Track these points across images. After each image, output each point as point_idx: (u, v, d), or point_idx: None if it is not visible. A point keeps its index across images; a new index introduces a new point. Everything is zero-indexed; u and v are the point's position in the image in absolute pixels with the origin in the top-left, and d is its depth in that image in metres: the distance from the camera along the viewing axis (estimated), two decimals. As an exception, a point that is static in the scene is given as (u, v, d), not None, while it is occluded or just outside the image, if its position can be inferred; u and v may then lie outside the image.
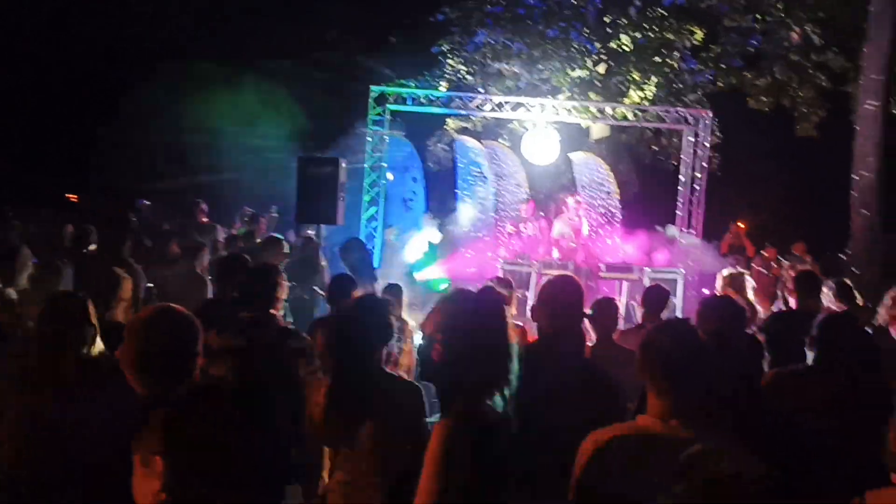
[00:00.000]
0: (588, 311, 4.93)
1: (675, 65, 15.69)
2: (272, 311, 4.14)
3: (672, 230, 13.11)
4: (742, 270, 7.62)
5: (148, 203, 12.68)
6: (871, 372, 3.64)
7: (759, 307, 7.71)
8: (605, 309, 5.02)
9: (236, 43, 16.23)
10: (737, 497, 1.15)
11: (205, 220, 10.65)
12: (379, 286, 7.12)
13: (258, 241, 8.95)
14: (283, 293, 4.32)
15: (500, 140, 15.88)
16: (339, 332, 3.32)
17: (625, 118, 14.43)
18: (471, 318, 2.40)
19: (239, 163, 15.71)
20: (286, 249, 7.43)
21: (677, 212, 13.80)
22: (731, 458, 1.54)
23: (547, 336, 3.34)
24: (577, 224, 12.32)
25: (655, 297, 5.69)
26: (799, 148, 16.63)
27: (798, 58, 15.45)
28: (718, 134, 15.39)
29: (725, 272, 7.13)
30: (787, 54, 15.42)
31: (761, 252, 13.29)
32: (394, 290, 5.95)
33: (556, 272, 9.84)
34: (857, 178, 12.33)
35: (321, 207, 9.64)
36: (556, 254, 12.18)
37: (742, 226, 14.18)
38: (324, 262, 8.43)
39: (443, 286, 11.08)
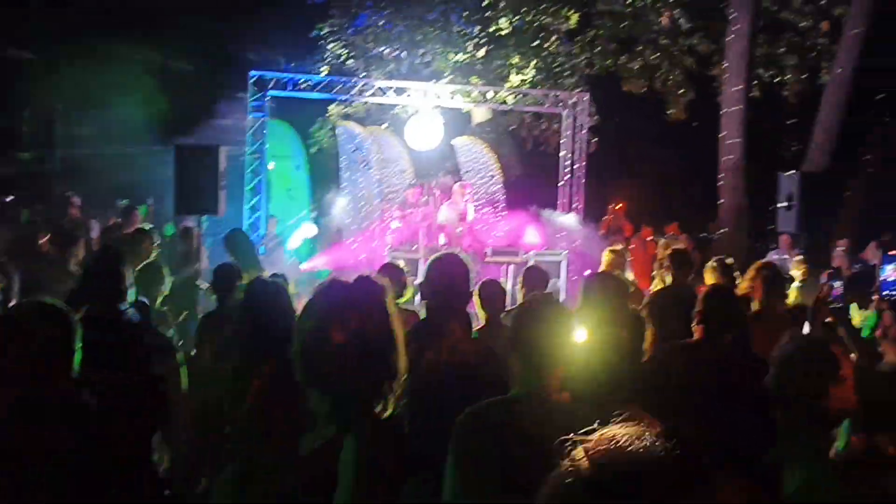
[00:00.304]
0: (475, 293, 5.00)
1: (553, 48, 15.99)
2: (119, 304, 3.71)
3: (552, 214, 13.45)
4: (616, 249, 7.86)
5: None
6: (745, 341, 3.85)
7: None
8: (491, 290, 5.01)
9: (95, 23, 15.26)
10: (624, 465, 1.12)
11: (76, 213, 10.12)
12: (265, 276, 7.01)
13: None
14: (158, 285, 4.03)
15: (383, 126, 15.78)
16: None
17: (505, 102, 14.63)
18: (343, 310, 2.11)
19: (101, 151, 14.92)
20: (156, 242, 7.11)
21: (559, 195, 14.10)
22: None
23: (434, 314, 3.33)
24: (463, 209, 12.43)
25: (535, 277, 5.71)
26: (674, 130, 17.31)
27: (667, 41, 16.07)
28: (596, 116, 15.81)
29: (609, 249, 7.34)
30: (657, 38, 16.00)
31: (638, 232, 13.82)
32: (278, 280, 5.79)
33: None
34: (723, 159, 12.97)
35: (201, 198, 9.30)
36: (442, 239, 12.27)
37: (620, 207, 14.64)
38: (204, 253, 8.18)
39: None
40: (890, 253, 6.29)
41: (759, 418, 3.24)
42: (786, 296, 5.51)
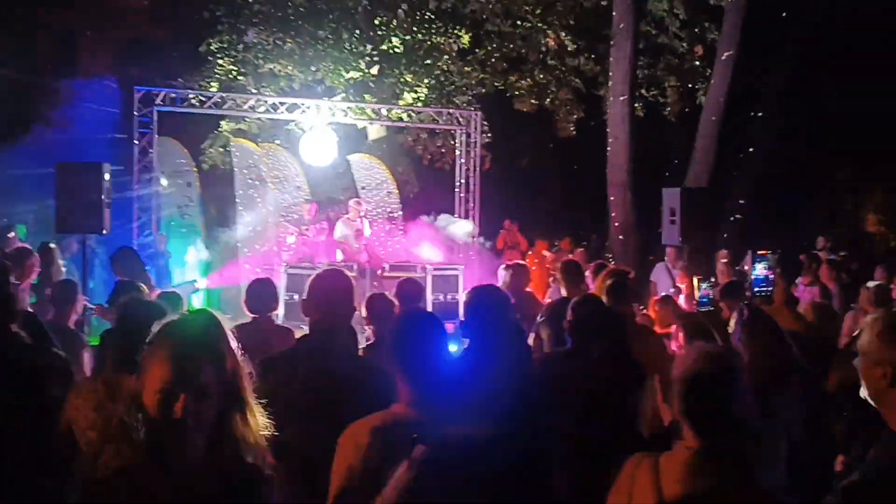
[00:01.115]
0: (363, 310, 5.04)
1: (445, 67, 16.23)
2: (11, 324, 3.52)
3: (445, 219, 13.62)
4: (521, 262, 8.02)
5: None
6: (620, 347, 3.99)
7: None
8: (379, 305, 5.03)
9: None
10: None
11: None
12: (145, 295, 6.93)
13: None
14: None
15: (277, 142, 15.60)
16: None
17: (400, 119, 14.76)
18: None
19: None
20: (38, 262, 6.79)
21: (456, 210, 14.30)
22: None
23: (316, 331, 3.34)
24: (359, 225, 12.46)
25: (408, 290, 5.62)
26: (564, 147, 17.84)
27: (554, 62, 16.56)
28: (489, 134, 16.12)
29: (505, 265, 7.42)
30: (544, 58, 16.47)
31: (533, 247, 14.14)
32: (171, 298, 5.66)
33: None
34: (611, 176, 13.44)
35: (85, 216, 8.96)
36: (339, 256, 12.24)
37: (513, 224, 14.99)
38: (63, 270, 8.02)
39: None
40: (759, 253, 6.60)
41: (624, 427, 3.43)
42: (629, 303, 5.57)
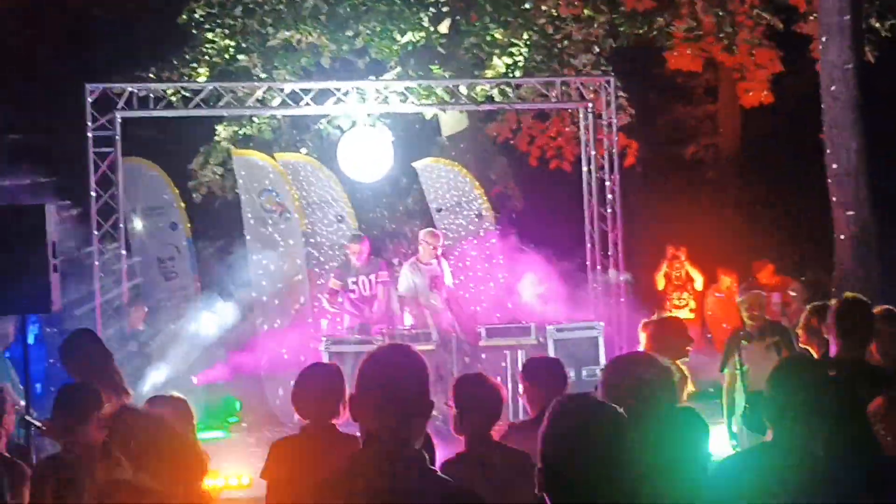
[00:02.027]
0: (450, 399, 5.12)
1: (554, 12, 16.13)
2: None
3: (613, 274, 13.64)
4: (670, 318, 7.90)
5: None
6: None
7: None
8: (474, 393, 5.15)
9: None
10: None
11: None
12: (137, 400, 7.15)
13: None
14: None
15: (303, 151, 15.77)
16: None
17: (489, 99, 14.69)
18: None
19: None
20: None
21: (586, 232, 14.20)
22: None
23: (373, 447, 3.39)
24: (436, 270, 12.49)
25: (542, 372, 5.82)
26: (751, 121, 17.47)
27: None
28: (630, 111, 15.88)
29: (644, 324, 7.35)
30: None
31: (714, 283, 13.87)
32: (176, 404, 5.79)
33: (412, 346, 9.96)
34: (828, 160, 13.02)
35: (22, 288, 9.16)
36: (407, 320, 12.36)
37: (678, 249, 14.73)
38: None
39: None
40: None
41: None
42: None
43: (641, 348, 6.90)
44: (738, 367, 8.94)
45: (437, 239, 12.68)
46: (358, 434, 4.89)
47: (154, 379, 12.00)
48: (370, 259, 12.81)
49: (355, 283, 12.68)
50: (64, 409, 5.79)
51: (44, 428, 7.36)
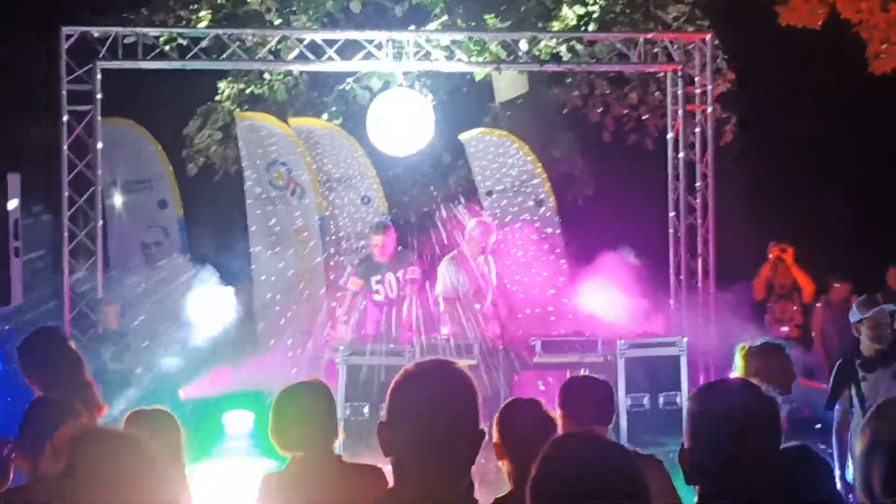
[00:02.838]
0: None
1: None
2: None
3: None
4: (779, 342, 7.80)
5: None
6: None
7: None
8: (522, 421, 5.30)
9: None
10: None
11: None
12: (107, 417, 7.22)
13: None
14: None
15: (323, 117, 15.79)
16: None
17: (553, 58, 14.61)
18: None
19: None
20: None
21: (668, 227, 14.16)
22: None
23: (407, 476, 3.43)
24: (483, 267, 12.55)
25: (583, 398, 5.92)
26: (880, 93, 17.23)
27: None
28: (729, 78, 15.76)
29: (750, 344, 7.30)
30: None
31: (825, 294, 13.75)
32: (158, 423, 5.93)
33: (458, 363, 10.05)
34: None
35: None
36: (445, 328, 12.44)
37: (783, 248, 14.59)
38: None
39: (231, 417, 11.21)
40: None
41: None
42: None
43: (736, 375, 6.91)
44: (855, 402, 8.77)
45: (489, 232, 12.75)
46: (375, 465, 4.95)
47: (132, 392, 12.07)
48: (397, 252, 12.87)
49: (380, 282, 12.78)
50: (31, 431, 5.78)
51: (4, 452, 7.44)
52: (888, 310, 9.07)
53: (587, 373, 11.66)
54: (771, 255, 14.84)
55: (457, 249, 12.76)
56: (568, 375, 11.63)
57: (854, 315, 9.00)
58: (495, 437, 5.25)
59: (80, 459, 4.04)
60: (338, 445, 5.59)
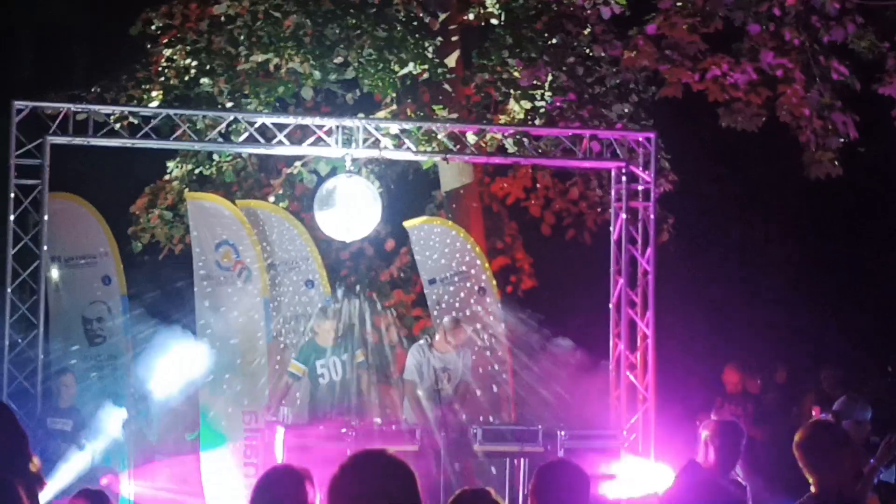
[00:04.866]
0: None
1: (587, 50, 16.12)
2: None
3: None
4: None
5: None
6: None
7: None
8: None
9: None
10: None
11: None
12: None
13: None
14: None
15: (270, 200, 15.74)
16: None
17: (502, 150, 14.58)
18: None
19: None
20: None
21: (609, 324, 14.11)
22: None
23: None
24: (452, 360, 12.93)
25: (554, 484, 5.77)
26: (818, 197, 17.43)
27: (796, 32, 16.12)
28: (670, 177, 15.82)
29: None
30: (777, 24, 15.97)
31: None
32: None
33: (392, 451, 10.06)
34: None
35: None
36: (408, 411, 12.82)
37: (734, 370, 14.77)
38: None
39: None
40: None
41: None
42: None
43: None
44: None
45: (461, 335, 12.99)
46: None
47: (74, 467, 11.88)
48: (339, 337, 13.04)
49: (323, 366, 12.79)
50: None
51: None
52: None
53: (527, 463, 11.72)
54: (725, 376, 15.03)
55: (427, 339, 12.97)
56: (507, 468, 11.79)
57: None
58: None
59: None
60: None
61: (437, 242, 15.35)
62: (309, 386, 13.03)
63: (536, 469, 5.99)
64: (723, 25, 15.95)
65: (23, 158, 12.95)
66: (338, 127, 13.77)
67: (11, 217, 12.87)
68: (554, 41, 16.16)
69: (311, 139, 13.78)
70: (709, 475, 7.62)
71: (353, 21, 15.65)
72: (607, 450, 12.14)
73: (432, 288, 15.03)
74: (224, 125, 13.93)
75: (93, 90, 15.29)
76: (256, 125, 13.80)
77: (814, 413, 12.75)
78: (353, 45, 15.67)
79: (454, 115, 15.34)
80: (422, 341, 12.89)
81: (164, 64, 15.99)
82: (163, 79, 15.91)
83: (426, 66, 15.90)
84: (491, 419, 13.23)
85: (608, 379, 13.71)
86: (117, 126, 13.51)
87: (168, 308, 15.38)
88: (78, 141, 13.35)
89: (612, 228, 14.49)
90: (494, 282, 15.37)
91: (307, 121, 13.95)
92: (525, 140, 14.65)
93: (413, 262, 15.67)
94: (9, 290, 12.82)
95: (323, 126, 13.79)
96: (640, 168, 14.30)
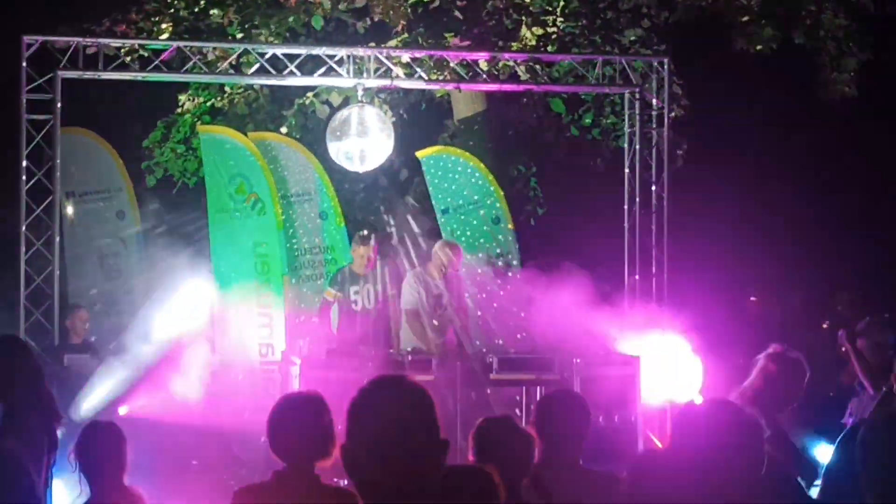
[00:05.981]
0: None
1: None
2: None
3: None
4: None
5: None
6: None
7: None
8: (498, 440, 5.31)
9: None
10: None
11: None
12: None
13: None
14: None
15: (282, 130, 15.72)
16: None
17: (514, 77, 14.50)
18: None
19: None
20: None
21: (626, 246, 14.12)
22: None
23: (371, 498, 3.40)
24: (456, 287, 12.88)
25: (555, 415, 5.83)
26: (836, 119, 17.32)
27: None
28: (682, 101, 15.72)
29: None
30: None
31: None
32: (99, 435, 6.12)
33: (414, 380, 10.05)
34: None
35: None
36: (408, 341, 12.52)
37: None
38: None
39: None
40: None
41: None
42: None
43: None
44: None
45: (458, 256, 12.92)
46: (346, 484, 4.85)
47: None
48: (377, 265, 13.09)
49: (357, 293, 12.91)
50: None
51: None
52: None
53: (542, 392, 11.70)
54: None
55: (422, 266, 12.96)
56: (523, 394, 11.78)
57: None
58: (471, 454, 5.29)
59: None
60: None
61: (451, 172, 15.32)
62: (339, 312, 13.09)
63: (536, 402, 6.06)
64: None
65: (34, 93, 12.93)
66: (349, 56, 13.73)
67: (24, 153, 12.86)
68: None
69: (323, 69, 13.73)
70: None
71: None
72: (624, 377, 12.02)
73: (446, 217, 15.00)
74: (235, 57, 13.88)
75: (103, 23, 15.19)
76: (267, 56, 13.75)
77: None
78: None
79: (465, 43, 15.22)
80: (418, 268, 12.96)
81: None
82: (172, 10, 15.84)
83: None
84: (505, 346, 13.24)
85: (623, 306, 13.72)
86: (128, 59, 13.45)
87: (182, 242, 15.39)
88: (88, 75, 13.34)
89: (625, 155, 14.48)
90: (508, 211, 15.35)
91: (318, 51, 13.87)
92: (537, 67, 14.61)
93: (426, 192, 15.61)
94: (23, 226, 12.83)
95: (334, 56, 13.72)
96: (653, 93, 14.25)
